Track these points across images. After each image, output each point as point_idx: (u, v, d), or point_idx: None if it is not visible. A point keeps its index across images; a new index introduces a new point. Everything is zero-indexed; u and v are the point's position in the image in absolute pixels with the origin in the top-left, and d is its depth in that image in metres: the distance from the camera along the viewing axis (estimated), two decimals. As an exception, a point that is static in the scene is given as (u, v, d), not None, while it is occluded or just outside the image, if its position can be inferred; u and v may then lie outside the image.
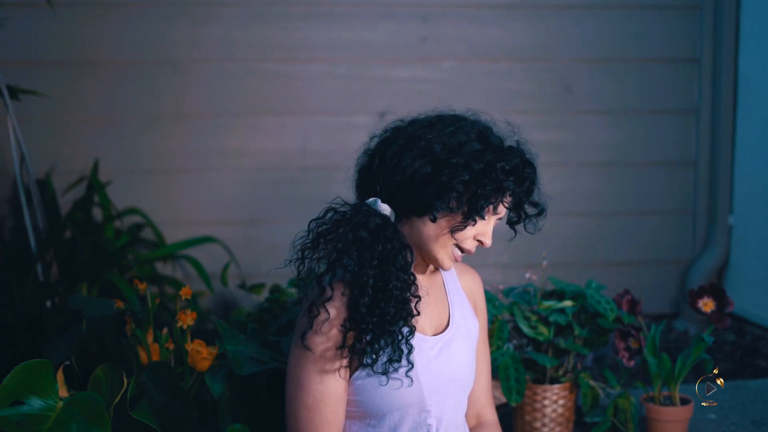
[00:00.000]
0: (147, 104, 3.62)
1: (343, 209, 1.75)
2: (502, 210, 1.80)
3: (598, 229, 3.89)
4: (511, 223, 1.88)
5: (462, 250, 1.79)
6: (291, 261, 1.73)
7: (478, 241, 1.80)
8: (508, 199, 1.78)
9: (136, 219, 3.61)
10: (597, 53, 3.82)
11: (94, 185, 3.48)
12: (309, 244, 1.74)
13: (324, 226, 1.73)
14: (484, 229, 1.79)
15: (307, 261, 1.74)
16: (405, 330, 1.73)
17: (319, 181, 3.65)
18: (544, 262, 2.85)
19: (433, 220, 1.72)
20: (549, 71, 3.80)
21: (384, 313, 1.69)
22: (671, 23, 3.83)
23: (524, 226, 1.88)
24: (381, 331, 1.69)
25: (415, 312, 1.74)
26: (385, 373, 1.71)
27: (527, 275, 2.81)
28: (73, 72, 3.56)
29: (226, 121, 3.66)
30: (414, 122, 1.80)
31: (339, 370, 1.73)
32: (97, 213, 3.55)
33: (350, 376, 1.76)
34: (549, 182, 3.85)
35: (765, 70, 3.69)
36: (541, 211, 1.86)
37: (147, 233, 3.62)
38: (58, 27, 3.50)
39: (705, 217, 3.93)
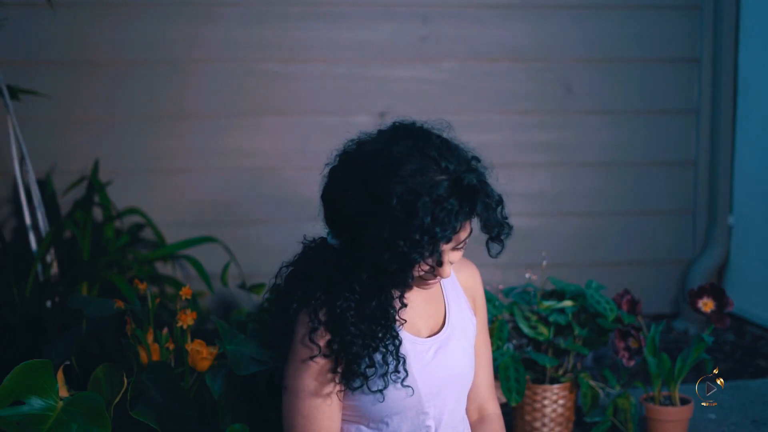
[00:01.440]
0: (147, 104, 3.62)
1: (307, 244, 1.80)
2: (463, 236, 1.68)
3: (598, 229, 3.89)
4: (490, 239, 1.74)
5: (423, 280, 1.74)
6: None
7: (433, 274, 1.71)
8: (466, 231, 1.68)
9: (136, 219, 3.61)
10: (597, 53, 3.82)
11: (95, 185, 3.48)
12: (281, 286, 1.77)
13: (290, 267, 1.78)
14: (444, 264, 1.69)
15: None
16: (389, 344, 1.73)
17: (319, 182, 3.65)
18: (544, 262, 2.85)
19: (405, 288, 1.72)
20: (549, 71, 3.80)
21: (349, 339, 1.69)
22: (671, 23, 3.83)
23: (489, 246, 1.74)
24: (355, 356, 1.69)
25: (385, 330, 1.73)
26: (379, 390, 1.72)
27: (527, 275, 2.81)
28: (73, 72, 3.56)
29: (226, 121, 3.66)
30: (358, 149, 1.71)
31: (334, 378, 1.73)
32: (98, 213, 3.55)
33: None
34: (549, 182, 3.88)
35: (765, 70, 3.69)
36: (500, 231, 1.72)
37: (147, 233, 3.62)
38: (58, 27, 3.50)
39: (705, 217, 3.93)
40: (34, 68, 3.51)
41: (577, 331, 2.62)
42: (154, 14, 3.57)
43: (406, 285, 1.71)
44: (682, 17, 3.83)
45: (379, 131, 1.74)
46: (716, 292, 2.54)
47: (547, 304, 2.64)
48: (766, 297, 3.68)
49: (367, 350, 1.69)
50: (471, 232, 1.69)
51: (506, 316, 2.68)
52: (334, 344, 1.70)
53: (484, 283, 2.05)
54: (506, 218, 1.72)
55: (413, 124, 1.73)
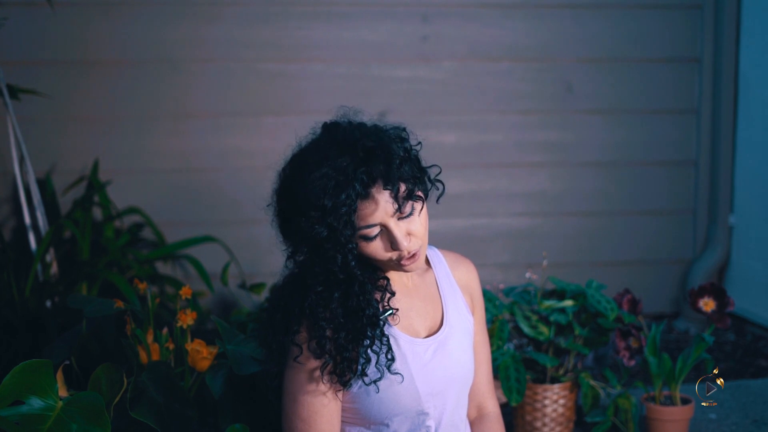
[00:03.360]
0: (147, 104, 3.61)
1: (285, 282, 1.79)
2: (386, 203, 1.67)
3: (599, 228, 3.89)
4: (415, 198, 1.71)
5: (395, 257, 1.72)
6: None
7: (391, 246, 1.71)
8: (380, 196, 1.67)
9: (136, 218, 3.61)
10: (597, 53, 3.82)
11: (94, 185, 3.48)
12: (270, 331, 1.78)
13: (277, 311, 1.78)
14: (392, 236, 1.69)
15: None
16: (375, 333, 1.72)
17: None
18: (545, 262, 2.85)
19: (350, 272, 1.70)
20: (549, 71, 3.80)
21: (360, 340, 1.71)
22: (672, 23, 3.83)
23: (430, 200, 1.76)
24: (342, 358, 1.70)
25: (368, 333, 1.72)
26: (373, 382, 1.72)
27: (528, 275, 2.81)
28: (73, 71, 3.56)
29: (226, 120, 3.66)
30: (293, 158, 1.77)
31: (330, 380, 1.73)
32: (97, 212, 3.56)
33: None
34: (549, 182, 3.88)
35: (765, 69, 3.68)
36: (429, 180, 1.74)
37: (147, 233, 3.62)
38: (58, 26, 3.50)
39: (705, 216, 3.93)
40: (34, 68, 3.51)
41: (577, 331, 2.62)
42: (153, 14, 3.57)
43: (355, 271, 1.69)
44: (682, 17, 3.83)
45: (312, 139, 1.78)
46: (717, 291, 2.54)
47: (547, 303, 2.63)
48: (766, 297, 3.67)
49: (351, 343, 1.70)
50: (404, 196, 1.67)
51: (507, 315, 2.67)
52: (325, 343, 1.69)
53: (485, 282, 2.05)
54: (422, 169, 1.73)
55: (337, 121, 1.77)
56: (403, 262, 1.72)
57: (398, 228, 1.68)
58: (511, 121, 3.79)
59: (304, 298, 1.70)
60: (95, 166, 3.53)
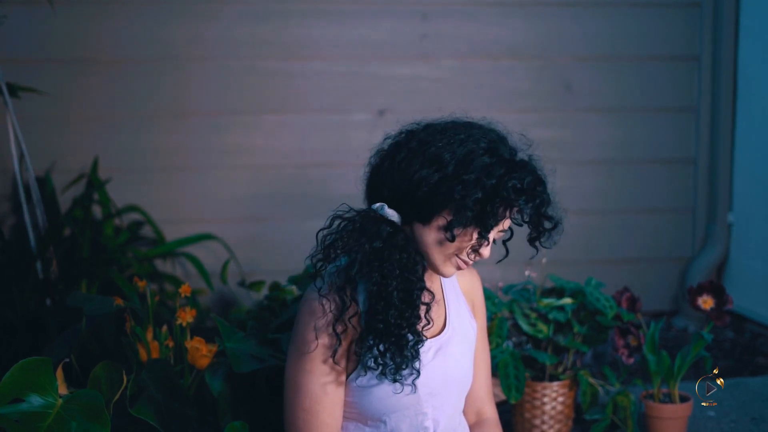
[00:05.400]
0: (147, 102, 3.62)
1: (349, 215, 1.73)
2: (507, 224, 1.78)
3: (598, 226, 3.89)
4: (531, 240, 1.83)
5: (461, 260, 1.76)
6: (311, 273, 1.73)
7: (476, 252, 1.76)
8: (514, 215, 1.76)
9: (135, 216, 3.61)
10: (596, 51, 3.82)
11: (94, 183, 3.49)
12: (321, 257, 1.72)
13: (334, 235, 1.72)
14: (487, 243, 1.76)
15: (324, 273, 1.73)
16: (410, 337, 1.73)
17: (319, 179, 3.66)
18: (544, 260, 2.85)
19: (451, 240, 1.69)
20: (548, 69, 3.80)
21: (409, 326, 1.70)
22: (671, 20, 3.83)
23: (540, 242, 1.83)
24: (397, 340, 1.69)
25: (423, 321, 1.74)
26: (395, 380, 1.72)
27: (527, 272, 2.81)
28: (73, 69, 3.56)
29: (225, 118, 3.66)
30: (428, 127, 1.77)
31: (336, 373, 1.73)
32: (97, 211, 3.56)
33: (347, 378, 1.76)
34: (549, 180, 3.87)
35: (765, 67, 3.68)
36: (555, 225, 1.82)
37: (147, 231, 3.62)
38: (57, 24, 3.50)
39: (704, 214, 3.93)
40: (33, 66, 3.51)
41: (576, 329, 2.62)
42: (154, 12, 3.57)
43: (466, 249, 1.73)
44: (681, 14, 3.83)
45: (435, 122, 1.81)
46: (716, 289, 2.54)
47: (546, 301, 2.64)
48: (765, 295, 3.68)
49: (410, 334, 1.71)
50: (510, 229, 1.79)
51: (506, 313, 2.68)
52: (350, 328, 1.71)
53: (484, 280, 2.06)
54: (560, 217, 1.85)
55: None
56: (460, 265, 1.76)
57: (490, 244, 1.76)
58: (511, 119, 3.73)
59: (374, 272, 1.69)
60: (95, 164, 3.53)
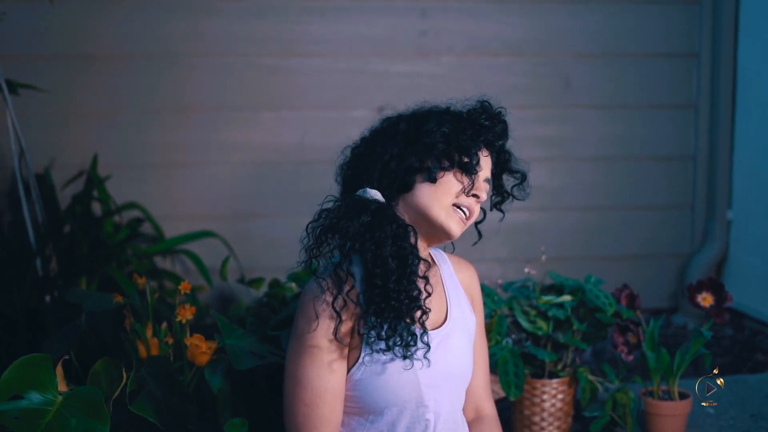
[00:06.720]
0: (146, 98, 3.61)
1: (336, 204, 1.78)
2: (487, 167, 1.87)
3: (597, 223, 3.90)
4: (501, 193, 1.97)
5: (462, 208, 1.82)
6: (300, 263, 1.74)
7: (473, 196, 1.83)
8: (486, 154, 1.87)
9: (135, 213, 3.61)
10: (595, 48, 3.82)
11: (94, 179, 3.48)
12: (313, 246, 1.74)
13: (325, 221, 1.75)
14: (477, 183, 1.83)
15: (319, 259, 1.75)
16: (413, 306, 1.74)
17: (318, 176, 3.64)
18: (543, 257, 2.85)
19: (433, 181, 1.77)
20: (548, 66, 3.80)
21: (407, 292, 1.72)
22: (670, 18, 3.83)
23: (511, 196, 1.97)
24: (398, 307, 1.71)
25: (424, 293, 1.76)
26: (405, 357, 1.73)
27: (526, 270, 2.81)
28: (72, 66, 3.56)
29: (225, 115, 3.66)
30: (399, 115, 1.89)
31: (337, 365, 1.73)
32: (96, 207, 3.56)
33: (348, 371, 1.76)
34: (548, 177, 3.88)
35: (764, 64, 3.68)
36: (523, 176, 1.97)
37: (146, 228, 3.62)
38: (57, 21, 3.49)
39: (704, 211, 3.93)
40: (33, 62, 3.51)
41: (575, 326, 2.62)
42: (153, 8, 3.57)
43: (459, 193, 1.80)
44: (680, 12, 3.83)
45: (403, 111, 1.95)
46: (715, 286, 2.54)
47: (546, 298, 2.64)
48: (764, 291, 3.68)
49: (416, 304, 1.74)
50: (496, 170, 1.94)
51: (505, 310, 2.68)
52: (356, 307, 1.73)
53: (483, 277, 2.07)
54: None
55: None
56: (462, 214, 1.82)
57: (483, 182, 1.85)
58: (510, 115, 3.77)
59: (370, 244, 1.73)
60: (94, 161, 3.53)
